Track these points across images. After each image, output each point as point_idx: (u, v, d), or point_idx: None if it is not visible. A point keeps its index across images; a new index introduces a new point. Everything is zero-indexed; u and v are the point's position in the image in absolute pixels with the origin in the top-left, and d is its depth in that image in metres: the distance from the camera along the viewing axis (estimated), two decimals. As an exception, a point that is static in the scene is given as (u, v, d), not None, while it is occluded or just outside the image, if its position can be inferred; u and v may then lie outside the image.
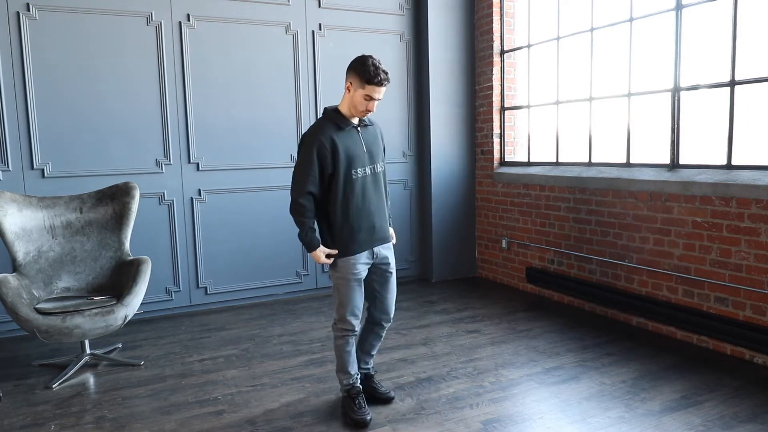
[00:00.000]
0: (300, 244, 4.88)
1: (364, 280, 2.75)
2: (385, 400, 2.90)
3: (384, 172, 2.76)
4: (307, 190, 2.57)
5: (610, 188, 4.08)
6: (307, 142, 2.58)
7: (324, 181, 2.59)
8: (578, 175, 4.34)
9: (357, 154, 2.60)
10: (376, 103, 2.55)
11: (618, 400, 2.86)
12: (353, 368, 2.79)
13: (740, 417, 2.65)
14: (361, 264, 2.67)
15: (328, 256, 2.65)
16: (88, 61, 4.12)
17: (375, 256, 2.71)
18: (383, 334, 2.92)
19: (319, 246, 2.64)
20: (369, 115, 2.65)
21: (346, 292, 2.68)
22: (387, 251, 2.77)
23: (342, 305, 2.70)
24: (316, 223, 2.67)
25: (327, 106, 2.69)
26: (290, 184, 2.66)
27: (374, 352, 2.96)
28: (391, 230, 2.87)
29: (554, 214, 4.61)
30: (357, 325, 2.73)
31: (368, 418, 2.69)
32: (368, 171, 2.64)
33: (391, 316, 2.86)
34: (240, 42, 4.57)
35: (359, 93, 2.52)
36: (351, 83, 2.54)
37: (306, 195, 2.57)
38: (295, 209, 2.61)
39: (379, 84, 2.50)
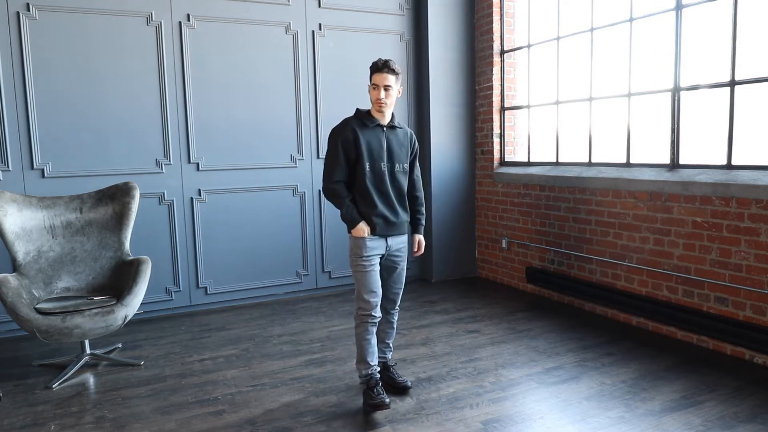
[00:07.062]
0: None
1: None
2: (401, 389, 3.00)
3: (405, 171, 2.90)
4: (335, 179, 2.80)
5: (610, 188, 4.07)
6: (333, 136, 2.82)
7: (350, 167, 2.81)
8: (578, 175, 4.34)
9: (375, 149, 2.79)
10: (384, 92, 2.73)
11: (618, 400, 2.86)
12: (373, 359, 2.86)
13: (740, 417, 2.65)
14: (373, 246, 2.81)
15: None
16: (88, 61, 4.13)
17: (388, 248, 2.88)
18: (394, 321, 3.09)
19: (361, 221, 2.79)
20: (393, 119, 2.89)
21: (361, 276, 2.83)
22: (400, 245, 2.93)
23: (358, 290, 2.85)
24: (351, 200, 2.84)
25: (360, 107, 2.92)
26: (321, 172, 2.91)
27: (389, 341, 3.11)
28: (419, 237, 3.05)
29: (554, 214, 4.61)
30: (374, 307, 2.82)
31: (386, 400, 2.76)
32: (385, 168, 2.81)
33: (397, 304, 3.07)
34: (240, 42, 4.57)
35: (370, 86, 2.77)
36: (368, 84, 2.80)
37: (335, 182, 2.81)
38: (329, 193, 2.84)
39: (378, 70, 2.72)
